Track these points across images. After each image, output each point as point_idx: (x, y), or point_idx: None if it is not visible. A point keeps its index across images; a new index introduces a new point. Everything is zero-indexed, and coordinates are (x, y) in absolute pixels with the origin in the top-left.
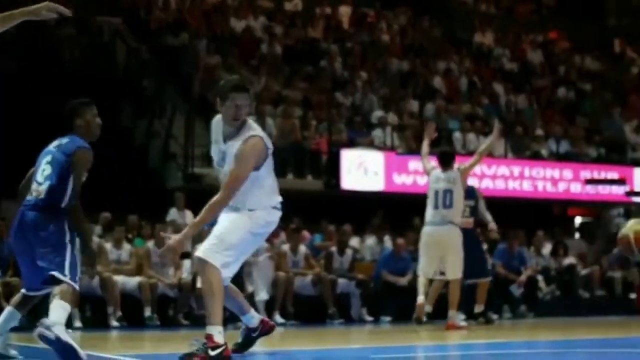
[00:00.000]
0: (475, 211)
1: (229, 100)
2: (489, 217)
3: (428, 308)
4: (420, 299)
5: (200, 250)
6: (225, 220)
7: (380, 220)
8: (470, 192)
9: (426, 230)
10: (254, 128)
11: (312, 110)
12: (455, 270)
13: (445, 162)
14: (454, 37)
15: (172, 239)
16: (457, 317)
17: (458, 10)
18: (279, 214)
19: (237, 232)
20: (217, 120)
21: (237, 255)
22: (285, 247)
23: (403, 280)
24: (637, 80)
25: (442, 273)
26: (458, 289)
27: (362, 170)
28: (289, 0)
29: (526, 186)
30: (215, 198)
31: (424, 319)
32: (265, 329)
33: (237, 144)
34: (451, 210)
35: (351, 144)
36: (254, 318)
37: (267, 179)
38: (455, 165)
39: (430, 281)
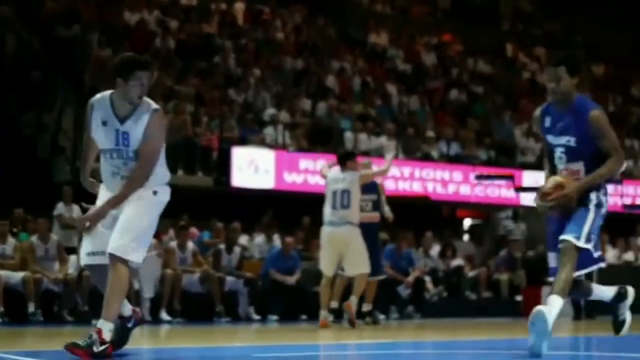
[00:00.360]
0: (378, 205)
1: (135, 79)
2: (387, 209)
3: (334, 304)
4: (351, 299)
5: (111, 246)
6: (131, 207)
7: (270, 218)
8: (372, 187)
9: (325, 230)
10: (150, 102)
11: (204, 107)
12: (356, 267)
13: (345, 162)
14: (349, 37)
15: (91, 209)
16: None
17: (353, 10)
18: (169, 191)
19: (145, 219)
20: (102, 100)
21: (146, 241)
22: (173, 244)
23: (291, 279)
24: (528, 84)
25: (343, 270)
26: (363, 283)
27: (253, 168)
28: None
29: (416, 187)
30: (134, 174)
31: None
32: (137, 320)
33: (144, 119)
34: (349, 211)
35: (243, 141)
36: (125, 306)
37: (162, 152)
38: (357, 172)
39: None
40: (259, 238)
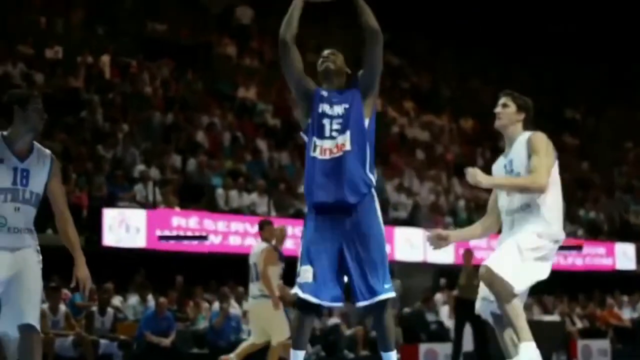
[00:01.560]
0: None
1: (33, 104)
2: None
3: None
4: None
5: (30, 318)
6: (34, 272)
7: (143, 278)
8: (283, 256)
9: (247, 304)
10: (42, 147)
11: (72, 163)
12: (277, 335)
13: (260, 232)
14: (217, 91)
15: None
16: None
17: (221, 63)
18: None
19: (40, 284)
20: None
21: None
22: (44, 306)
23: (166, 341)
24: (398, 139)
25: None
26: (277, 352)
27: (124, 226)
28: (49, 47)
29: (289, 245)
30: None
31: None
32: None
33: (46, 162)
34: (258, 283)
35: (112, 199)
36: None
37: None
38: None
39: None
40: (133, 299)
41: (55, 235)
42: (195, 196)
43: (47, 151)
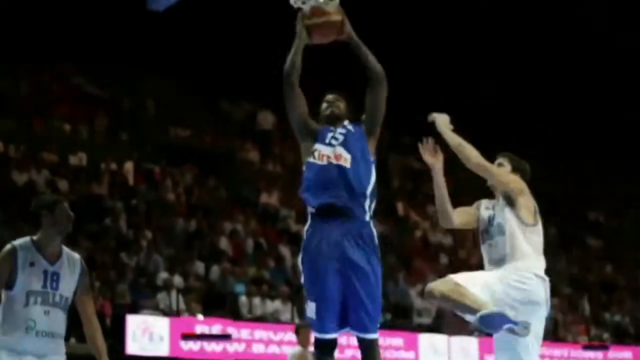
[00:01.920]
0: None
1: (61, 207)
2: None
3: None
4: None
5: None
6: None
7: None
8: None
9: None
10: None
11: (95, 271)
12: None
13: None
14: (240, 197)
15: None
16: None
17: (244, 170)
18: None
19: None
20: (24, 243)
21: None
22: None
23: None
24: (421, 243)
25: None
26: None
27: (147, 335)
28: (73, 154)
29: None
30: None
31: None
32: None
33: (77, 266)
34: None
35: (136, 306)
36: None
37: None
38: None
39: None
40: None
41: (79, 344)
42: (218, 303)
43: (77, 255)
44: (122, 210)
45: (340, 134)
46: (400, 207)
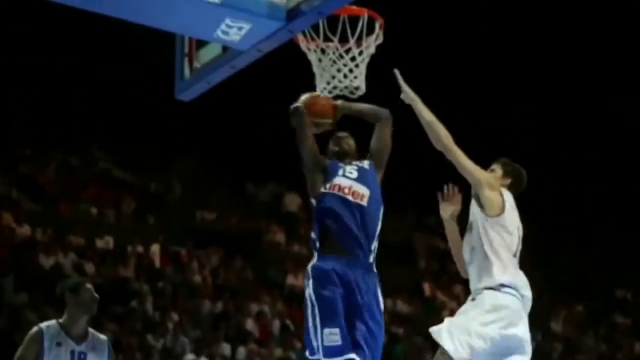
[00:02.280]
0: None
1: (84, 288)
2: None
3: None
4: None
5: None
6: None
7: None
8: None
9: None
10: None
11: (122, 353)
12: None
13: None
14: (267, 279)
15: None
16: None
17: (270, 251)
18: None
19: None
20: (51, 326)
21: None
22: None
23: None
24: None
25: None
26: None
27: None
28: (100, 237)
29: None
30: None
31: None
32: None
33: (104, 346)
34: None
35: None
36: None
37: None
38: None
39: None
40: None
41: None
42: None
43: (103, 337)
44: (149, 292)
45: (353, 169)
46: (426, 287)
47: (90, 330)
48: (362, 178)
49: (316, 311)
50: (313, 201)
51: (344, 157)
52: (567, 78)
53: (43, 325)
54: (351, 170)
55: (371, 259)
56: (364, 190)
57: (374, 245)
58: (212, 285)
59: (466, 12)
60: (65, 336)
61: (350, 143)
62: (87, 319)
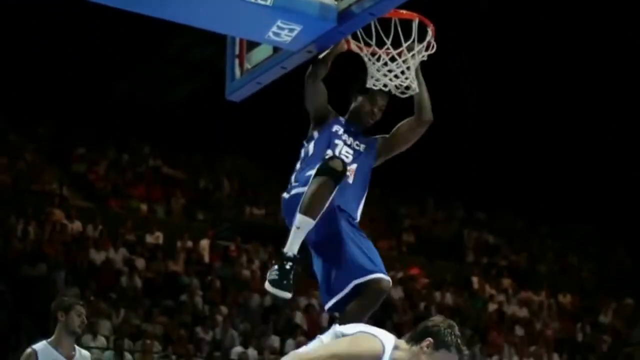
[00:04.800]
0: None
1: (75, 310)
2: None
3: None
4: None
5: None
6: None
7: None
8: None
9: None
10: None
11: (172, 345)
12: None
13: None
14: (314, 273)
15: None
16: None
17: None
18: None
19: None
20: (44, 347)
21: None
22: None
23: None
24: (496, 316)
25: None
26: None
27: None
28: (150, 232)
29: None
30: None
31: None
32: None
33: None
34: None
35: None
36: None
37: None
38: None
39: None
40: None
41: None
42: None
43: (86, 353)
44: (198, 286)
45: (350, 153)
46: (475, 281)
47: (77, 348)
48: (359, 158)
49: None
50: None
51: (362, 123)
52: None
53: (36, 346)
54: (348, 152)
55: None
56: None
57: (355, 216)
58: (260, 279)
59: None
60: (57, 354)
61: (378, 116)
62: (74, 339)
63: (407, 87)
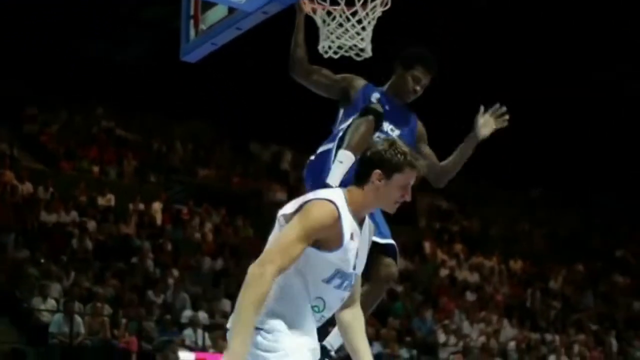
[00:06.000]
0: None
1: None
2: None
3: None
4: None
5: None
6: None
7: None
8: None
9: None
10: None
11: (122, 308)
12: None
13: None
14: (267, 237)
15: None
16: None
17: (271, 210)
18: None
19: None
20: None
21: None
22: None
23: None
24: (448, 281)
25: None
26: None
27: None
28: (102, 194)
29: None
30: None
31: None
32: None
33: None
34: None
35: (162, 343)
36: None
37: None
38: None
39: None
40: None
41: None
42: None
43: None
44: (150, 249)
45: (394, 129)
46: (427, 246)
47: None
48: None
49: None
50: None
51: (403, 99)
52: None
53: None
54: (377, 136)
55: None
56: None
57: None
58: (213, 242)
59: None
60: None
61: (419, 94)
62: None
63: (362, 50)
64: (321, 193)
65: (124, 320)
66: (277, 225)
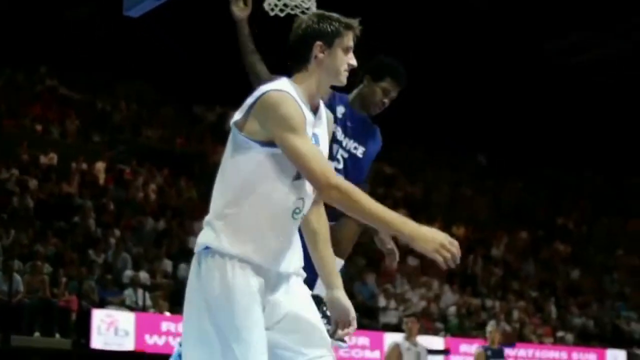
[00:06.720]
0: None
1: None
2: None
3: None
4: None
5: None
6: None
7: None
8: None
9: None
10: None
11: (63, 267)
12: None
13: None
14: (210, 198)
15: None
16: None
17: (215, 171)
18: None
19: None
20: None
21: None
22: None
23: None
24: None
25: None
26: None
27: (113, 329)
28: (44, 153)
29: None
30: None
31: None
32: None
33: None
34: None
35: (102, 303)
36: None
37: None
38: None
39: None
40: None
41: (43, 338)
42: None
43: None
44: (92, 208)
45: (344, 154)
46: None
47: None
48: (344, 170)
49: None
50: None
51: (369, 110)
52: None
53: None
54: (342, 155)
55: None
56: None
57: None
58: (155, 203)
59: None
60: None
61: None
62: None
63: (308, 8)
64: (267, 86)
65: (64, 279)
66: (230, 137)
